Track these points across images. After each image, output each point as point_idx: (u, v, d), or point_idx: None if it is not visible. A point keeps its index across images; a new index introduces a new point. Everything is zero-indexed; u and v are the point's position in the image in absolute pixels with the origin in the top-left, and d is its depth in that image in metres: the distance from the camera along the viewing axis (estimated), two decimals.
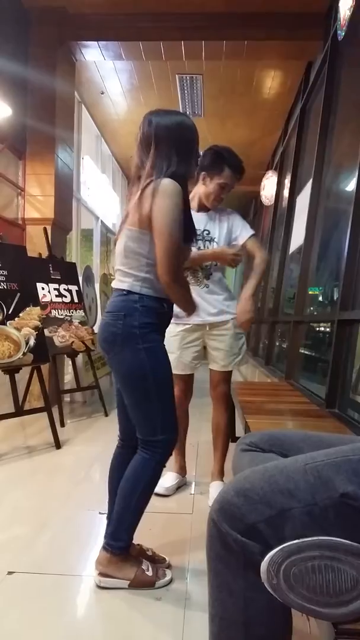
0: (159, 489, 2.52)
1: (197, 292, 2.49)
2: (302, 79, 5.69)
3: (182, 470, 2.77)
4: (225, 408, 2.69)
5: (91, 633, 1.52)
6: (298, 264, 4.76)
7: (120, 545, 1.74)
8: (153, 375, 1.69)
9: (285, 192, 6.22)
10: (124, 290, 1.71)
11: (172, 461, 2.58)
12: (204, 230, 2.55)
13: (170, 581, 1.76)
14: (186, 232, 1.69)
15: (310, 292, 4.34)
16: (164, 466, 1.77)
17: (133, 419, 1.75)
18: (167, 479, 2.66)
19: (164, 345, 1.77)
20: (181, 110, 6.59)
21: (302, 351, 4.33)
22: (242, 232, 2.61)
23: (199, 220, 2.48)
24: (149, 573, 1.74)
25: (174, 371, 2.41)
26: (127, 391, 1.74)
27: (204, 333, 2.60)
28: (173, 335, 2.58)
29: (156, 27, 4.72)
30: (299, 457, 0.95)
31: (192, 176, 1.84)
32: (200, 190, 2.55)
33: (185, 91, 6.18)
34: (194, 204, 2.55)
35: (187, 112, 6.74)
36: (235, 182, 2.52)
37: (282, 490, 0.86)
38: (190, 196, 2.59)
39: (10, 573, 1.80)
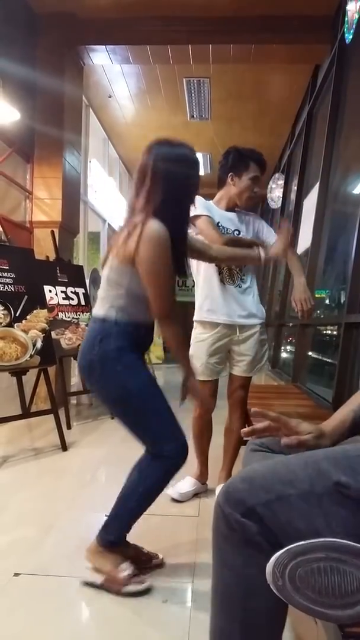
0: (173, 493, 2.51)
1: (230, 292, 2.50)
2: (309, 82, 5.69)
3: (201, 477, 2.68)
4: (241, 414, 2.65)
5: (97, 635, 1.52)
6: (305, 267, 4.75)
7: (109, 539, 1.75)
8: (137, 392, 1.69)
9: (292, 195, 6.21)
10: (100, 317, 1.74)
11: (191, 465, 2.56)
12: (235, 230, 2.57)
13: (144, 592, 1.69)
14: (177, 267, 1.73)
15: (317, 295, 4.33)
16: (172, 476, 1.74)
17: (134, 437, 1.74)
18: (184, 484, 2.60)
19: (142, 361, 1.77)
20: (188, 114, 6.62)
21: (309, 354, 4.32)
22: (269, 236, 2.64)
23: (230, 219, 2.55)
24: (122, 574, 1.70)
25: (201, 378, 2.42)
26: (117, 413, 1.76)
27: (232, 338, 2.56)
28: (201, 340, 2.55)
29: (164, 31, 4.74)
30: (304, 454, 1.00)
31: (186, 216, 1.79)
32: (231, 191, 2.57)
33: (193, 95, 6.20)
34: (222, 205, 2.60)
35: (194, 116, 6.76)
36: (261, 175, 2.57)
37: (283, 479, 0.90)
38: (217, 198, 2.63)
39: (16, 575, 1.81)
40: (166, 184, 1.66)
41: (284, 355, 5.82)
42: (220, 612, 0.97)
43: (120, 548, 1.78)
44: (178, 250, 1.70)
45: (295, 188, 5.94)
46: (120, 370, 1.68)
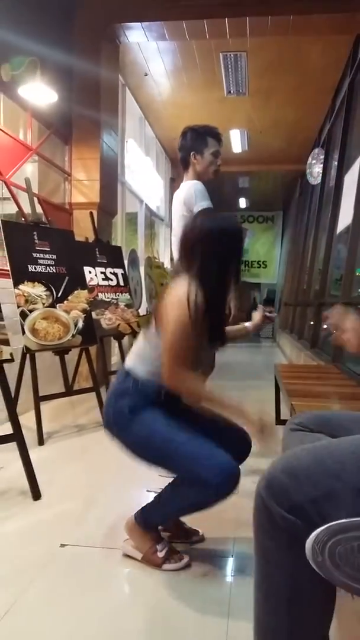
0: None
1: None
2: (350, 52, 5.49)
3: None
4: None
5: (137, 605, 1.58)
6: (346, 245, 4.65)
7: (142, 522, 1.77)
8: (152, 438, 1.64)
9: (333, 171, 6.05)
10: (126, 369, 1.74)
11: None
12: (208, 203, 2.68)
13: (184, 567, 1.73)
14: (212, 335, 1.71)
15: (358, 274, 4.24)
16: (209, 505, 1.64)
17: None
18: None
19: (154, 408, 1.68)
20: (225, 89, 6.51)
21: None
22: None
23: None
24: (160, 555, 1.73)
25: None
26: (147, 463, 1.72)
27: None
28: None
29: (199, 5, 4.65)
30: (348, 439, 0.96)
31: (228, 286, 1.74)
32: (197, 168, 2.70)
33: (230, 70, 6.08)
34: None
35: (231, 91, 6.64)
36: (220, 147, 2.73)
37: (329, 471, 0.87)
38: (190, 179, 2.72)
39: (62, 545, 1.89)
40: (210, 259, 1.66)
41: (323, 334, 5.74)
42: (266, 609, 0.95)
43: (156, 528, 1.81)
44: (216, 318, 1.70)
45: (336, 163, 5.78)
46: (130, 423, 1.67)
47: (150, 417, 1.67)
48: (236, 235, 1.75)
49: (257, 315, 2.21)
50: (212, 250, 1.67)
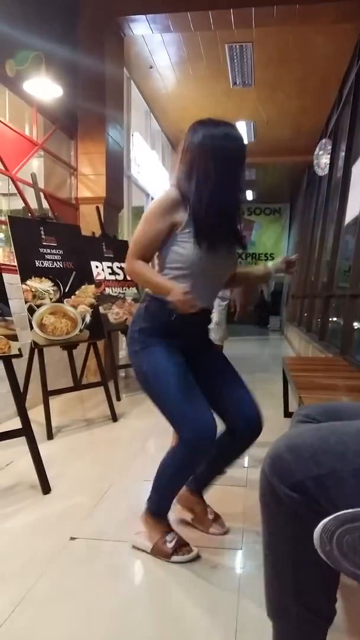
0: None
1: None
2: (356, 41, 5.42)
3: None
4: None
5: (147, 598, 1.59)
6: (353, 236, 4.61)
7: (152, 509, 1.81)
8: (151, 376, 1.72)
9: (340, 161, 6.00)
10: (145, 292, 1.83)
11: None
12: None
13: (192, 560, 1.74)
14: (229, 237, 1.75)
15: None
16: (193, 462, 1.71)
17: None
18: None
19: (162, 344, 1.74)
20: (231, 81, 6.46)
21: (359, 326, 4.23)
22: None
23: None
24: (169, 545, 1.75)
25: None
26: (143, 390, 1.79)
27: None
28: (224, 309, 2.67)
29: None
30: (353, 422, 0.97)
31: (231, 186, 1.72)
32: None
33: (235, 61, 6.03)
34: None
35: (237, 82, 6.59)
36: None
37: (333, 451, 0.88)
38: None
39: (72, 539, 1.91)
40: (199, 160, 1.67)
41: (331, 327, 5.72)
42: (273, 580, 0.99)
43: (166, 519, 1.83)
44: (229, 220, 1.73)
45: (344, 154, 5.73)
46: (138, 352, 1.75)
47: (155, 353, 1.73)
48: (230, 135, 1.70)
49: (279, 261, 1.98)
50: (202, 153, 1.67)
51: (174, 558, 1.74)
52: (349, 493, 0.84)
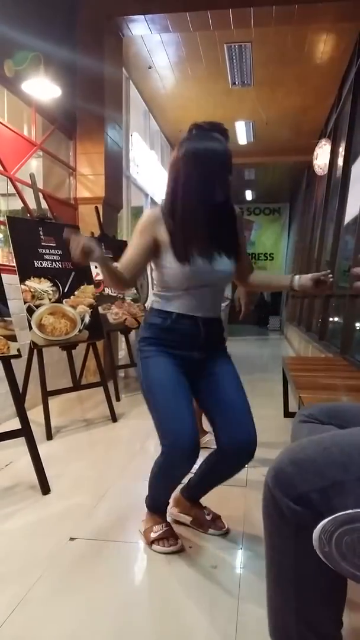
0: None
1: None
2: (356, 41, 5.42)
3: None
4: None
5: (148, 598, 1.59)
6: (353, 236, 4.61)
7: (146, 504, 1.91)
8: (145, 385, 1.76)
9: (340, 161, 6.01)
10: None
11: None
12: None
13: (171, 552, 1.78)
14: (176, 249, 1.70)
15: None
16: (170, 472, 1.76)
17: None
18: None
19: (161, 356, 1.75)
20: (230, 81, 6.46)
21: (359, 325, 4.23)
22: None
23: None
24: (152, 535, 1.83)
25: None
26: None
27: None
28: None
29: None
30: (355, 430, 0.96)
31: (210, 189, 1.65)
32: None
33: (234, 60, 6.03)
34: None
35: (236, 82, 6.59)
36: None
37: (337, 462, 0.87)
38: None
39: (72, 539, 1.90)
40: (176, 174, 1.67)
41: (331, 327, 5.72)
42: (275, 597, 0.97)
43: (161, 513, 1.90)
44: (214, 229, 1.69)
45: (343, 153, 5.73)
46: (140, 360, 1.78)
47: (151, 364, 1.75)
48: (201, 146, 1.65)
49: (308, 277, 1.83)
50: (177, 166, 1.67)
51: (154, 547, 1.81)
52: (353, 504, 0.83)
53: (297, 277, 1.83)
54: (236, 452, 1.74)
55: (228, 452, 1.75)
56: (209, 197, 1.65)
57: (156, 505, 1.89)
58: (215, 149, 1.64)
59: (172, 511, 1.99)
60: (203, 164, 1.62)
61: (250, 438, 1.71)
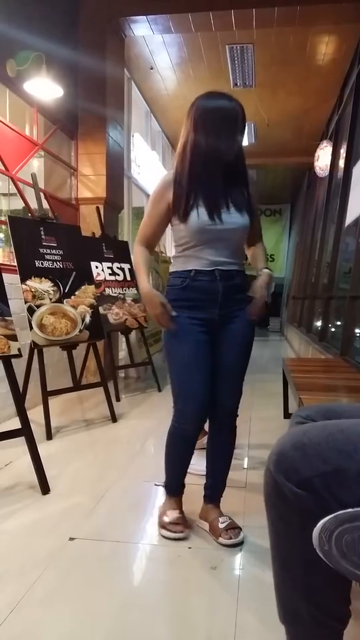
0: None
1: None
2: (358, 43, 5.43)
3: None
4: None
5: (146, 599, 1.58)
6: (354, 238, 4.61)
7: (163, 484, 2.02)
8: (166, 350, 1.88)
9: (341, 163, 6.01)
10: None
11: None
12: None
13: (175, 539, 1.86)
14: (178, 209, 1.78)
15: None
16: (177, 439, 1.90)
17: None
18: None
19: (183, 319, 1.80)
20: (232, 82, 6.46)
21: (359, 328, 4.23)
22: None
23: None
24: (165, 519, 1.91)
25: None
26: None
27: None
28: None
29: None
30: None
31: (216, 146, 1.75)
32: None
33: (236, 61, 6.03)
34: None
35: (238, 84, 6.59)
36: None
37: (340, 449, 0.87)
38: None
39: (71, 539, 1.90)
40: (185, 129, 1.79)
41: (332, 328, 5.72)
42: (283, 583, 0.97)
43: (177, 498, 1.97)
44: (223, 180, 1.77)
45: (344, 155, 5.73)
46: (166, 332, 1.87)
47: (176, 331, 1.81)
48: (206, 103, 1.79)
49: (255, 285, 1.90)
50: (188, 127, 1.77)
51: (161, 531, 1.89)
52: (355, 491, 0.83)
53: (258, 278, 1.90)
54: (218, 414, 1.91)
55: (212, 416, 1.92)
56: (217, 151, 1.74)
57: (171, 486, 1.97)
58: (225, 105, 1.77)
59: (197, 520, 2.01)
60: (213, 118, 1.73)
61: (230, 403, 1.92)
